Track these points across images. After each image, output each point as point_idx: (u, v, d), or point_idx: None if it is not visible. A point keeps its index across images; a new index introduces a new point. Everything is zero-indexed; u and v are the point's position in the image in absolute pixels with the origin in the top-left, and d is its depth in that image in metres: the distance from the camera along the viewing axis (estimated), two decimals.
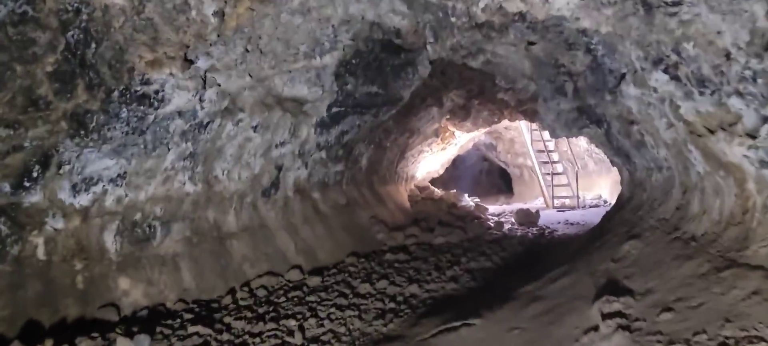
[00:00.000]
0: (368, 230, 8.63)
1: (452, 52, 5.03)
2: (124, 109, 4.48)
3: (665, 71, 2.91)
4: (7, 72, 3.48)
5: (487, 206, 12.47)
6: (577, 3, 3.02)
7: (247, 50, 5.04)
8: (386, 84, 7.25)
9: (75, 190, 4.66)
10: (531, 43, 4.25)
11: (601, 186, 14.97)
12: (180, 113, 5.04)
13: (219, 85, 5.20)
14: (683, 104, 2.91)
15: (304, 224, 7.29)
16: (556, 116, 4.98)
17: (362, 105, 7.46)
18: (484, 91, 9.40)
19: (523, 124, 14.58)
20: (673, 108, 3.05)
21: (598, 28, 3.08)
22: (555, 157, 14.62)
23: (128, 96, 4.42)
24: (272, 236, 6.74)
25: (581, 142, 14.02)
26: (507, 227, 9.98)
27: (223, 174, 6.02)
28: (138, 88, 4.42)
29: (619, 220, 5.09)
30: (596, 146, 5.85)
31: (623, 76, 3.59)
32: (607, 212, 6.98)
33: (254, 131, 6.05)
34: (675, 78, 2.86)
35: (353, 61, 6.27)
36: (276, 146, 6.55)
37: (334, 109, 7.04)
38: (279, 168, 6.86)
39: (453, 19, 4.26)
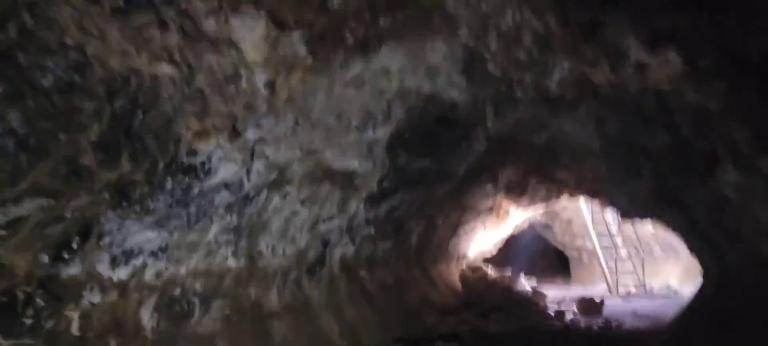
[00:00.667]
0: (417, 312, 8.12)
1: (513, 127, 4.70)
2: (169, 181, 4.32)
3: None
4: (51, 140, 3.37)
5: (545, 292, 11.66)
6: (680, 74, 2.65)
7: (297, 122, 4.87)
8: (440, 159, 6.97)
9: (114, 262, 4.46)
10: (602, 120, 3.87)
11: (668, 274, 13.88)
12: (226, 185, 4.86)
13: (267, 157, 5.03)
14: None
15: (350, 304, 6.89)
16: (629, 199, 4.51)
17: (414, 180, 7.18)
18: (542, 167, 8.96)
19: (582, 204, 13.87)
20: None
21: (705, 103, 2.68)
22: (618, 240, 13.73)
23: (174, 167, 4.27)
24: (316, 316, 6.35)
25: (647, 225, 13.13)
26: (569, 316, 9.19)
27: (267, 249, 5.76)
28: (184, 160, 4.28)
29: (705, 323, 4.43)
30: (675, 233, 5.27)
31: (717, 157, 3.14)
32: (686, 308, 6.24)
33: (302, 205, 5.81)
34: None
35: (406, 135, 6.04)
36: (323, 221, 6.29)
37: (385, 184, 6.77)
38: (325, 244, 6.56)
39: (518, 94, 3.96)
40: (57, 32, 2.93)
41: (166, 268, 4.83)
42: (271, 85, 4.01)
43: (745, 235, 3.50)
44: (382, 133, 5.80)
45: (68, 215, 3.84)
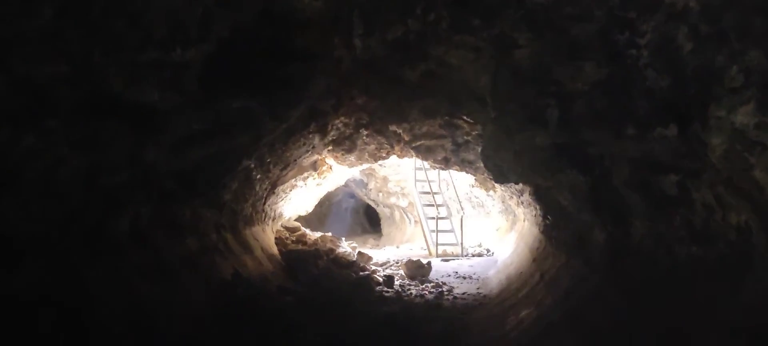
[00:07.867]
0: (231, 285, 6.71)
1: (387, 52, 3.55)
2: None
3: None
4: None
5: (370, 255, 10.96)
6: None
7: (60, 16, 3.10)
8: (267, 99, 5.55)
9: None
10: (516, 47, 2.96)
11: (477, 232, 14.37)
12: None
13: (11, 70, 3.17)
14: None
15: (144, 283, 5.23)
16: (514, 155, 3.73)
17: (233, 123, 5.66)
18: (374, 120, 8.09)
19: (406, 163, 13.40)
20: None
21: None
22: (439, 199, 13.65)
23: None
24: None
25: (464, 185, 13.28)
26: (398, 282, 8.56)
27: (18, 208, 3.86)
28: None
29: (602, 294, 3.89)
30: (563, 196, 4.61)
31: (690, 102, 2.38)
32: (548, 283, 5.81)
33: (72, 149, 4.00)
34: None
35: (228, 62, 4.52)
36: (107, 173, 4.52)
37: (196, 126, 5.18)
38: (110, 203, 4.80)
39: None
40: None
41: None
42: None
43: (694, 202, 2.91)
44: (195, 54, 4.24)
45: None
